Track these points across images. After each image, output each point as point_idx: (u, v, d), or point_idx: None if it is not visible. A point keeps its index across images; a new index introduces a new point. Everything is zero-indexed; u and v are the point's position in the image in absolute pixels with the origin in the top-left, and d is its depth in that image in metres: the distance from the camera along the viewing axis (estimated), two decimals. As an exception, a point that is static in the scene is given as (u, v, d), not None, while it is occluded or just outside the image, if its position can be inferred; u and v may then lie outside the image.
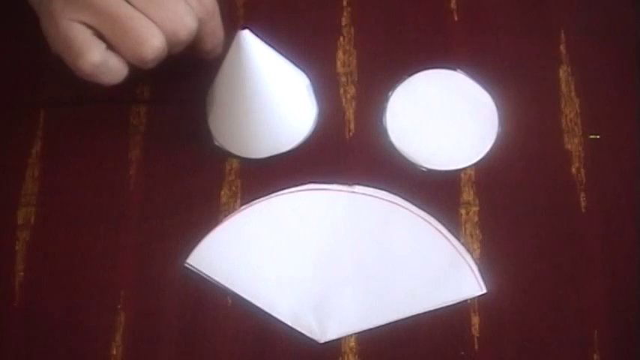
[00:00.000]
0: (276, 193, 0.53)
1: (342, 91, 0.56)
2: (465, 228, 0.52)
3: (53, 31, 0.47)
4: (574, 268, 0.51)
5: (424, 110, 0.55)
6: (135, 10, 0.46)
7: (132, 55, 0.46)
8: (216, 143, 0.54)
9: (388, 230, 0.52)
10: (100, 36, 0.46)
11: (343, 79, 0.56)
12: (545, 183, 0.53)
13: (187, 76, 0.55)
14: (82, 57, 0.46)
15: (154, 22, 0.46)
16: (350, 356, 0.50)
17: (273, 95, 0.50)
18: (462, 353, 0.49)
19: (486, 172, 0.53)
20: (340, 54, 0.56)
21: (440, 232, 0.52)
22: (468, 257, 0.51)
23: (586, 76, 0.55)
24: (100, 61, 0.46)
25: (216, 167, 0.54)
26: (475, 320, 0.50)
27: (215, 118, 0.53)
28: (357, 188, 0.53)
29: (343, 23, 0.57)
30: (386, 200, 0.52)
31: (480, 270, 0.51)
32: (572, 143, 0.54)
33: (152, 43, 0.46)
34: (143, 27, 0.46)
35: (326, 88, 0.55)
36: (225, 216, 0.53)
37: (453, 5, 0.57)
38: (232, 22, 0.56)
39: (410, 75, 0.56)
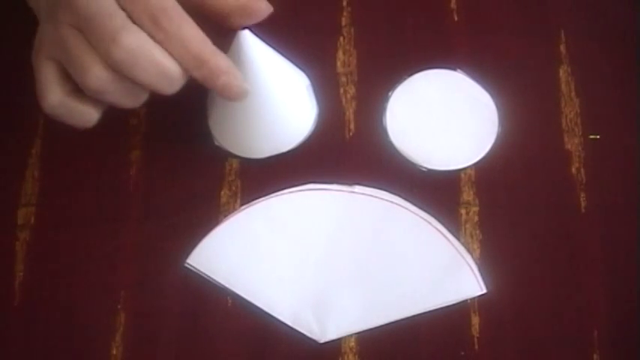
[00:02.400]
0: (276, 193, 0.53)
1: (342, 91, 0.56)
2: (465, 228, 0.52)
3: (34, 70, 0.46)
4: (574, 268, 0.51)
5: (424, 110, 0.55)
6: (82, 41, 0.44)
7: (82, 84, 0.45)
8: (216, 143, 0.54)
9: (388, 230, 0.52)
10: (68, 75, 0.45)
11: (343, 79, 0.56)
12: (545, 183, 0.53)
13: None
14: (41, 97, 0.46)
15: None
16: (350, 356, 0.50)
17: (274, 95, 0.50)
18: (462, 353, 0.49)
19: (486, 172, 0.53)
20: (340, 54, 0.56)
21: (440, 232, 0.52)
22: (468, 257, 0.51)
23: (586, 76, 0.55)
24: (56, 103, 0.46)
25: (216, 167, 0.54)
26: (475, 320, 0.50)
27: (215, 118, 0.53)
28: (357, 188, 0.53)
29: (343, 23, 0.57)
30: (386, 200, 0.52)
31: (479, 270, 0.51)
32: (572, 143, 0.54)
33: (93, 71, 0.44)
34: (85, 54, 0.44)
35: (326, 88, 0.55)
36: (225, 216, 0.53)
37: (453, 5, 0.57)
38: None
39: (410, 75, 0.56)
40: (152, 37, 0.43)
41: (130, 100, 0.47)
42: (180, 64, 0.45)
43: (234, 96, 0.47)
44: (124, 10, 0.43)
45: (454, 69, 0.56)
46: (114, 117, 0.55)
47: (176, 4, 0.44)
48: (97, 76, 0.44)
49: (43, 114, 0.55)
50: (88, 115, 0.47)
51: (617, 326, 0.50)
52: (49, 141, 0.55)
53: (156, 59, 0.44)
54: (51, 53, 0.45)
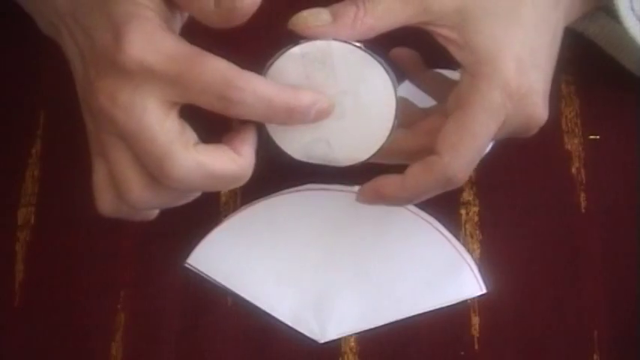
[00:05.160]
0: (276, 193, 0.53)
1: (342, 91, 0.55)
2: (465, 228, 0.52)
3: None
4: (574, 268, 0.51)
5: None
6: (124, 154, 0.39)
7: (124, 201, 0.41)
8: None
9: (388, 230, 0.52)
10: None
11: (343, 79, 0.56)
12: (545, 183, 0.53)
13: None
14: (95, 200, 0.42)
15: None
16: (350, 356, 0.50)
17: None
18: (462, 353, 0.49)
19: (486, 172, 0.53)
20: (340, 54, 0.56)
21: (440, 232, 0.52)
22: (468, 257, 0.51)
23: (586, 76, 0.55)
24: (109, 211, 0.41)
25: (216, 167, 0.54)
26: (475, 320, 0.50)
27: None
28: (357, 188, 0.53)
29: (343, 23, 0.57)
30: (386, 200, 0.52)
31: (480, 270, 0.51)
32: (572, 143, 0.54)
33: (135, 192, 0.40)
34: (128, 171, 0.39)
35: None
36: (225, 216, 0.52)
37: (453, 5, 0.57)
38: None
39: (410, 75, 0.55)
40: (228, 113, 0.38)
41: (182, 201, 0.43)
42: (269, 121, 0.41)
43: (326, 115, 0.42)
44: (189, 101, 0.38)
45: (454, 69, 0.56)
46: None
47: (234, 67, 0.38)
48: (138, 196, 0.39)
49: (43, 114, 0.55)
50: (146, 215, 0.44)
51: (617, 326, 0.50)
52: (49, 141, 0.55)
53: (214, 172, 0.39)
54: (97, 151, 0.41)
